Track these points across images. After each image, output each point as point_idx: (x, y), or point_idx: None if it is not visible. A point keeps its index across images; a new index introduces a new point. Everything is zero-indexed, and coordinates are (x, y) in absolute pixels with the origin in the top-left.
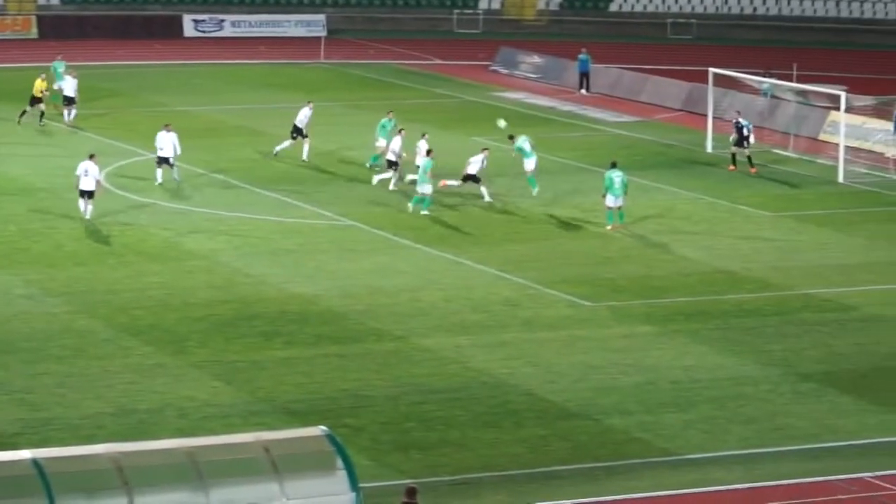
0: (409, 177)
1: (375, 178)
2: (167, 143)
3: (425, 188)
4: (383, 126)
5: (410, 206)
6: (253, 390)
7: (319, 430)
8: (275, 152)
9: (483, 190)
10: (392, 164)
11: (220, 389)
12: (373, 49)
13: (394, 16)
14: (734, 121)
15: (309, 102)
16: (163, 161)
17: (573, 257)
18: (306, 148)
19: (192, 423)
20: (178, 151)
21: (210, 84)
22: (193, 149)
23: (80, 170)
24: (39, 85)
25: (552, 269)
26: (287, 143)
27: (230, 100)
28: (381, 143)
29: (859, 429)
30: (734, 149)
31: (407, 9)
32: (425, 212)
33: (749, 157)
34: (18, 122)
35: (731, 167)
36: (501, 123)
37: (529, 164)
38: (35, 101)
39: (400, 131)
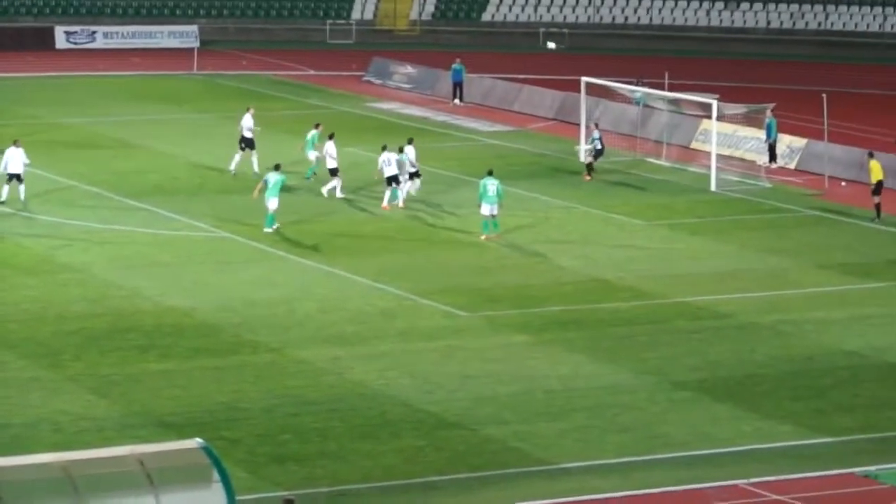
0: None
1: (324, 190)
2: (16, 159)
3: (272, 203)
4: (312, 139)
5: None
6: (128, 403)
7: (195, 442)
8: (232, 172)
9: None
10: (334, 172)
11: (96, 403)
12: (245, 60)
13: (266, 27)
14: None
15: (249, 108)
16: (13, 177)
17: (449, 267)
18: (255, 159)
19: (67, 437)
20: (26, 168)
21: (83, 96)
22: (67, 161)
23: None
24: None
25: (428, 279)
26: (238, 156)
27: (103, 111)
28: (312, 155)
29: (734, 436)
30: (590, 159)
31: (279, 20)
32: (268, 230)
33: (589, 164)
34: None
35: (587, 177)
36: (551, 45)
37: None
38: None
39: (330, 136)
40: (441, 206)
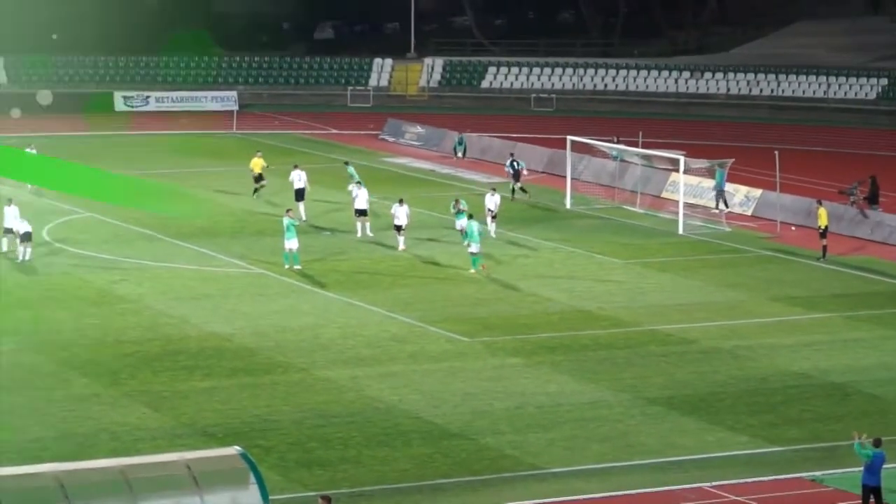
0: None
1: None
2: (14, 217)
3: (293, 244)
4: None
5: (287, 265)
6: (177, 416)
7: (234, 449)
8: (305, 220)
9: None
10: (363, 213)
11: (149, 416)
12: (277, 121)
13: (295, 92)
14: (510, 161)
15: (296, 166)
16: (18, 234)
17: (451, 299)
18: (303, 208)
19: (124, 445)
20: (30, 228)
21: (138, 152)
22: (123, 208)
23: (9, 216)
24: (258, 162)
25: (434, 309)
26: (301, 209)
27: (154, 165)
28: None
29: (699, 445)
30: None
31: (307, 86)
32: (298, 266)
33: (517, 189)
34: (255, 195)
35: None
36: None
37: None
38: (258, 178)
39: (358, 183)
40: (445, 246)
